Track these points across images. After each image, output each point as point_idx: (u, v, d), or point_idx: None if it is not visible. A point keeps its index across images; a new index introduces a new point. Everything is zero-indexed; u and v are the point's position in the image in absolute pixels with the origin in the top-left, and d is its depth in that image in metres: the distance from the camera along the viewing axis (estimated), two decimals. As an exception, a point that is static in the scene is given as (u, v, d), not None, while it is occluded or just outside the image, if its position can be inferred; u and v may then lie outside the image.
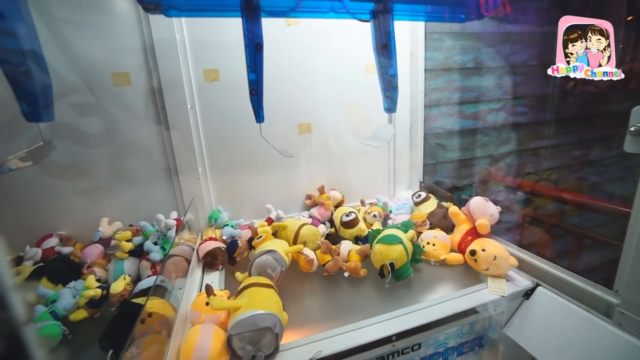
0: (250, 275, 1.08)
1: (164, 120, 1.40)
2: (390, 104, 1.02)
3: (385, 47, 0.95)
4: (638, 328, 0.84)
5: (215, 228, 1.52)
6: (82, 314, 1.05)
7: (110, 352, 0.80)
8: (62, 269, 1.18)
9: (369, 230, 1.38)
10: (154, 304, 0.87)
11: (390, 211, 1.64)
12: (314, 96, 1.60)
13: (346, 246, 1.25)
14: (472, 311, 1.04)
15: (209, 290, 0.90)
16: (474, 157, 1.96)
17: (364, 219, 1.51)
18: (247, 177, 1.58)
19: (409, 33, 1.70)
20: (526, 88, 1.94)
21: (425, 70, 1.73)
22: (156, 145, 1.43)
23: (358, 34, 1.54)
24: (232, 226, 1.47)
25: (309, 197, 1.67)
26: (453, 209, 1.32)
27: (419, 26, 1.67)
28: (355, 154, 1.72)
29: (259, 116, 0.94)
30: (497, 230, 1.30)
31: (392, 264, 1.07)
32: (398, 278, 1.10)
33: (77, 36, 1.23)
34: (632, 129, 0.78)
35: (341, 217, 1.44)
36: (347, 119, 1.66)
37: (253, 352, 0.79)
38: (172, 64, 1.34)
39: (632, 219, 0.83)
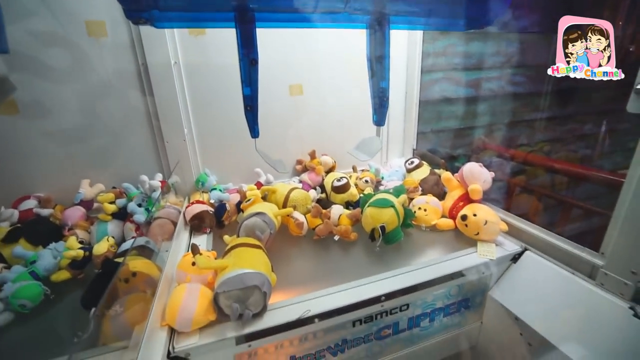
0: (238, 236, 1.05)
1: (146, 77, 1.31)
2: (380, 118, 1.01)
3: (379, 59, 0.91)
4: (619, 287, 0.86)
5: (202, 192, 1.48)
6: (64, 275, 1.02)
7: (93, 309, 0.78)
8: (41, 230, 1.13)
9: (361, 195, 1.36)
10: (138, 264, 0.85)
11: (383, 178, 1.62)
12: (307, 56, 1.51)
13: (337, 210, 1.23)
14: (460, 274, 1.04)
15: (194, 250, 0.87)
16: (469, 126, 1.93)
17: (356, 184, 1.49)
18: (235, 140, 1.51)
19: None
20: (526, 56, 1.88)
21: (424, 32, 1.64)
22: (138, 104, 1.34)
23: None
24: (220, 190, 1.43)
25: (299, 162, 1.62)
26: (446, 174, 1.30)
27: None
28: (348, 118, 1.66)
29: (253, 131, 0.93)
30: (488, 199, 1.29)
31: (382, 227, 1.06)
32: (388, 242, 1.09)
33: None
34: (638, 86, 0.75)
35: (332, 182, 1.42)
36: (341, 82, 1.59)
37: (240, 311, 0.78)
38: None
39: (627, 180, 0.83)
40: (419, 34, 1.63)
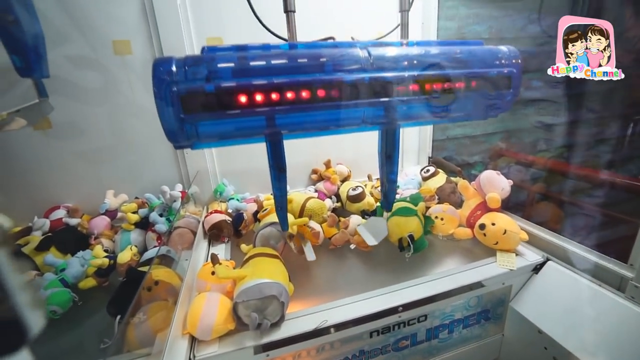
0: (254, 246, 1.07)
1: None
2: (388, 204, 1.05)
3: (389, 156, 0.97)
4: (652, 302, 0.82)
5: (220, 201, 1.51)
6: (90, 283, 1.07)
7: (118, 317, 0.81)
8: (70, 239, 1.19)
9: (377, 205, 1.36)
10: (160, 273, 0.87)
11: (398, 186, 1.61)
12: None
13: (356, 220, 1.23)
14: (479, 284, 1.02)
15: (214, 259, 0.90)
16: (485, 133, 1.90)
17: (371, 193, 1.49)
18: (252, 151, 1.53)
19: (422, 1, 1.60)
20: (542, 61, 1.85)
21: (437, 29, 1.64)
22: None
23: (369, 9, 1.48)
24: (238, 200, 1.46)
25: (315, 171, 1.64)
26: (463, 182, 1.28)
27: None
28: (363, 128, 1.67)
29: (284, 226, 1.00)
30: (507, 207, 1.26)
31: (411, 237, 1.06)
32: (416, 250, 1.08)
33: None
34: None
35: (347, 192, 1.42)
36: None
37: (259, 320, 0.79)
38: (173, 29, 1.29)
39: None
40: (433, 32, 1.63)
